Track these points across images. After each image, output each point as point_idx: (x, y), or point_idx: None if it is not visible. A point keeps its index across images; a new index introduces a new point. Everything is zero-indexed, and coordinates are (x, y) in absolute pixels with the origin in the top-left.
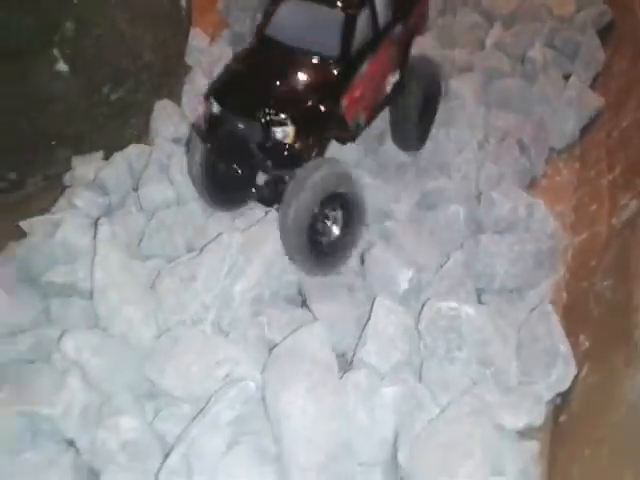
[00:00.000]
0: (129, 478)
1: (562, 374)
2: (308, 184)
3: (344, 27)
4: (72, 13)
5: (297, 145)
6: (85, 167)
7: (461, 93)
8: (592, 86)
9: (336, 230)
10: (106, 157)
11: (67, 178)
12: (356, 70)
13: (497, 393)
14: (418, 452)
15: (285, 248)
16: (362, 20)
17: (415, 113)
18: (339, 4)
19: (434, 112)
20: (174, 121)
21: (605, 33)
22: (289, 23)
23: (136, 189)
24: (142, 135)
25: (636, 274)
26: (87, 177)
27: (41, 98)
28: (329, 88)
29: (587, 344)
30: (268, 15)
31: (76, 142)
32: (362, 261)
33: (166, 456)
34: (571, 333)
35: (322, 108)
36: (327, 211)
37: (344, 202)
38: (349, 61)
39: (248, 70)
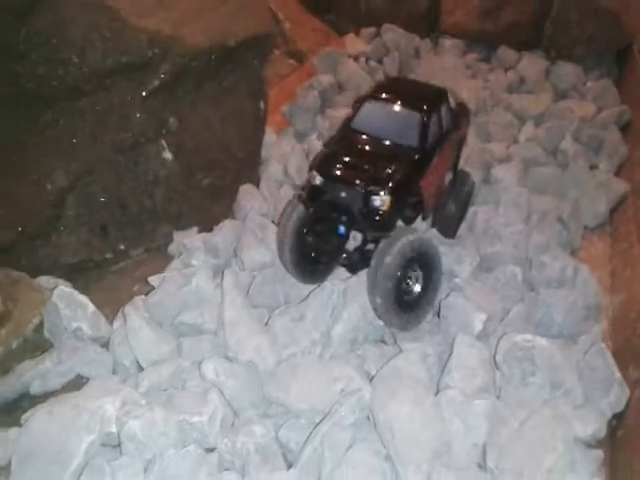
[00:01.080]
0: (264, 474)
1: (618, 396)
2: (393, 250)
3: (421, 124)
4: (175, 111)
5: (390, 212)
6: (190, 238)
7: (504, 178)
8: (617, 174)
9: (418, 288)
10: (199, 232)
11: (172, 248)
12: (430, 161)
13: (569, 408)
14: (506, 453)
15: (373, 307)
16: (433, 122)
17: (456, 214)
18: (417, 107)
19: (466, 212)
20: (258, 200)
21: (625, 129)
22: (373, 119)
23: (235, 254)
24: (228, 214)
25: None
26: (195, 245)
27: (149, 181)
28: (411, 171)
29: (637, 373)
30: (353, 112)
31: (175, 219)
32: (436, 312)
33: (291, 459)
34: (621, 367)
35: (408, 185)
36: (409, 272)
37: (424, 263)
38: (425, 152)
39: (342, 152)
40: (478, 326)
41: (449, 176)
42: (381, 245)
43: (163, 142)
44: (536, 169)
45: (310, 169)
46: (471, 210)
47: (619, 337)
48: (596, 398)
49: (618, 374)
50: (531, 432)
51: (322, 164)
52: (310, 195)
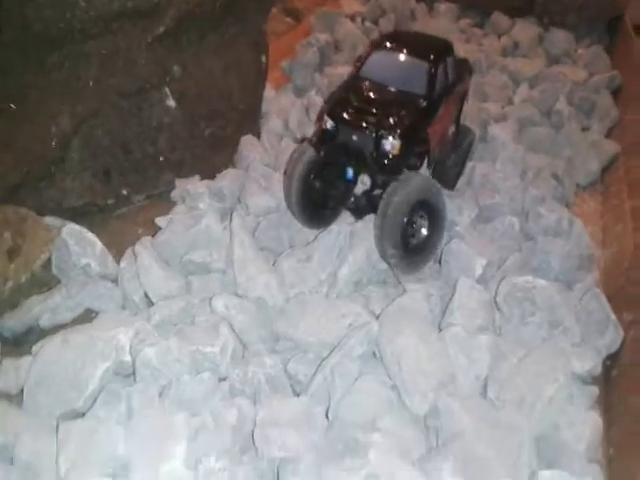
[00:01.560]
0: (275, 401)
1: (613, 337)
2: (401, 193)
3: (429, 73)
4: (179, 59)
5: (400, 156)
6: (193, 184)
7: (500, 136)
8: (607, 136)
9: (424, 232)
10: (202, 180)
11: (174, 194)
12: (436, 109)
13: (567, 345)
14: (507, 385)
15: (379, 250)
16: (440, 72)
17: (460, 165)
18: (424, 57)
19: (464, 166)
20: (259, 151)
21: (616, 93)
22: (381, 67)
23: (240, 201)
24: (229, 164)
25: None
26: (199, 191)
27: (152, 128)
28: (420, 117)
29: (631, 317)
30: (362, 60)
31: (177, 167)
32: (437, 259)
33: (299, 391)
34: (616, 312)
35: (417, 131)
36: (415, 216)
37: (429, 207)
38: (432, 100)
39: (355, 96)
40: (478, 270)
41: (452, 128)
42: (389, 189)
43: (167, 89)
44: (531, 128)
45: (320, 115)
46: (469, 165)
47: (612, 285)
48: (592, 339)
49: (613, 316)
50: (531, 365)
51: (333, 109)
52: (321, 138)
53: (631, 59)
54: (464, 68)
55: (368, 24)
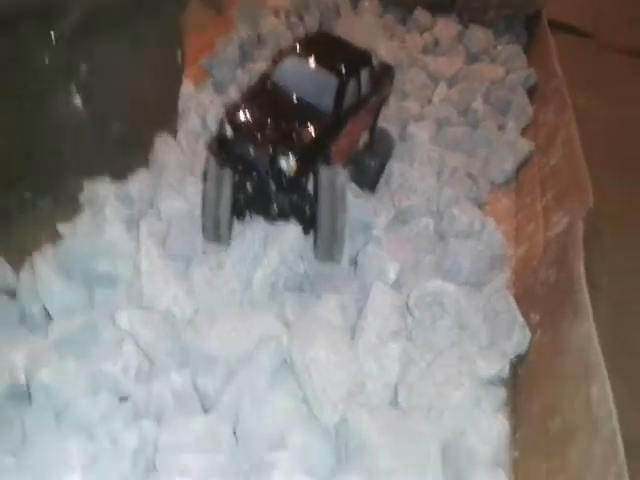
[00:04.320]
0: (180, 420)
1: (520, 338)
2: (338, 185)
3: (338, 89)
4: (86, 58)
5: (296, 175)
6: (102, 187)
7: (418, 136)
8: (523, 134)
9: None
10: (112, 182)
11: (83, 197)
12: (343, 126)
13: (474, 348)
14: (416, 390)
15: (324, 242)
16: (351, 87)
17: (374, 173)
18: (335, 71)
19: (383, 171)
20: (175, 151)
21: (531, 91)
22: (292, 75)
23: (151, 205)
24: (143, 165)
25: (574, 258)
26: (107, 195)
27: (58, 129)
28: (323, 136)
29: (537, 318)
30: (274, 64)
31: (86, 169)
32: (353, 263)
33: (208, 405)
34: (523, 312)
35: (318, 151)
36: None
37: None
38: (339, 117)
39: (257, 105)
40: (392, 275)
41: (364, 137)
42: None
43: (73, 88)
44: (448, 128)
45: (221, 120)
46: (387, 165)
47: (521, 285)
48: (500, 340)
49: (520, 318)
50: (439, 371)
51: (234, 114)
52: (221, 146)
53: (546, 57)
54: (385, 75)
55: (293, 19)
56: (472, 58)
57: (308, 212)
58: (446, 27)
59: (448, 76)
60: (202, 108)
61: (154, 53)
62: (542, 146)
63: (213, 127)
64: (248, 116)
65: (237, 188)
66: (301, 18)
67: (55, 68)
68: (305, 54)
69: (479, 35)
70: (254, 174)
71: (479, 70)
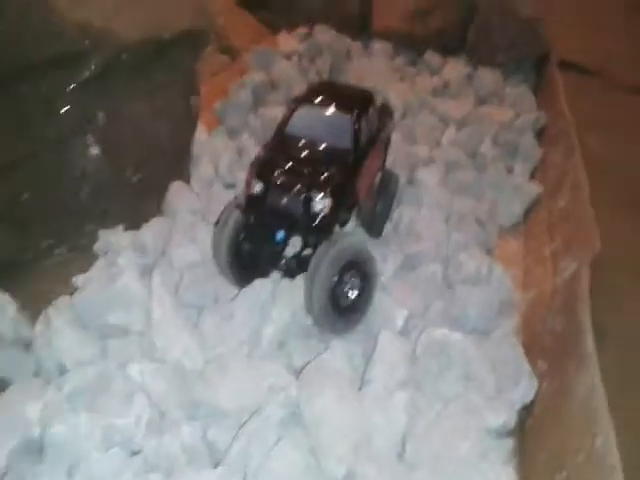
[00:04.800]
0: (190, 474)
1: (527, 387)
2: (331, 253)
3: (353, 127)
4: (104, 105)
5: (332, 215)
6: (115, 236)
7: (426, 180)
8: (531, 177)
9: (355, 292)
10: (127, 230)
11: (97, 246)
12: (363, 162)
13: (481, 399)
14: (423, 443)
15: (308, 309)
16: (364, 124)
17: (384, 212)
18: (347, 110)
19: (389, 213)
20: (188, 198)
21: (540, 133)
22: (306, 123)
23: (164, 253)
24: (157, 212)
25: (582, 308)
26: (121, 244)
27: (75, 177)
28: (348, 172)
29: (545, 366)
30: (286, 117)
31: (101, 217)
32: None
33: (218, 458)
34: (531, 361)
35: (346, 187)
36: (346, 276)
37: (359, 268)
38: (358, 153)
39: (279, 157)
40: (400, 322)
41: (379, 176)
42: (320, 249)
43: (90, 137)
44: (457, 172)
45: (248, 178)
46: (396, 210)
47: (529, 332)
48: (507, 389)
49: (527, 366)
50: (446, 422)
51: (260, 171)
52: (250, 202)
53: (554, 98)
54: (385, 113)
55: (305, 63)
56: (481, 100)
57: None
58: (456, 69)
59: (457, 119)
60: (215, 154)
61: (171, 100)
62: (551, 189)
63: (226, 173)
64: (274, 168)
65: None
66: (313, 61)
67: (72, 116)
68: (314, 102)
69: (488, 77)
70: (287, 224)
71: (488, 113)
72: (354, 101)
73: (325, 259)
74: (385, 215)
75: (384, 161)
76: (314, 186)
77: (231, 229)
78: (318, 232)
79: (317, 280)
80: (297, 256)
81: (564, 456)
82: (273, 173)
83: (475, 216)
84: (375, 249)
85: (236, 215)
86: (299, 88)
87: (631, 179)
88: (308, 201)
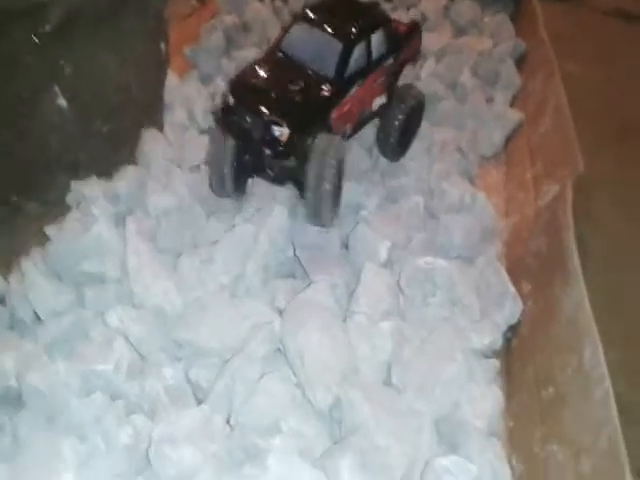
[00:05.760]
0: (174, 413)
1: (512, 308)
2: (330, 152)
3: (341, 55)
4: (69, 56)
5: (289, 143)
6: (88, 187)
7: None
8: (512, 105)
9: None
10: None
11: (70, 198)
12: (347, 91)
13: (466, 322)
14: (409, 368)
15: (314, 216)
16: (357, 51)
17: (396, 132)
18: (340, 35)
19: (415, 131)
20: (162, 145)
21: (520, 61)
22: (299, 42)
23: (138, 202)
24: (130, 161)
25: (564, 225)
26: (94, 194)
27: (43, 130)
28: (322, 102)
29: (529, 287)
30: (284, 33)
31: (72, 169)
32: (344, 245)
33: (202, 397)
34: (515, 283)
35: (315, 117)
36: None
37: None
38: (342, 82)
39: (261, 74)
40: (383, 254)
41: (380, 100)
42: (311, 163)
43: (57, 89)
44: (436, 103)
45: (227, 86)
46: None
47: (512, 256)
48: (492, 312)
49: (512, 288)
50: (431, 347)
51: (236, 84)
52: (223, 113)
53: (533, 25)
54: (411, 34)
55: (278, 3)
56: (459, 31)
57: (301, 177)
58: (432, 1)
59: (435, 50)
60: (188, 100)
61: (139, 46)
62: (531, 116)
63: (200, 119)
64: (249, 85)
65: (239, 149)
66: (286, 1)
67: (39, 67)
68: (313, 19)
69: (466, 7)
70: (251, 141)
71: (467, 43)
72: (355, 23)
73: (325, 170)
74: (404, 136)
75: (393, 84)
76: (277, 113)
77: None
78: (276, 157)
79: (324, 192)
80: (279, 166)
81: (550, 373)
82: (246, 89)
83: (456, 145)
84: (357, 184)
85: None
86: (273, 29)
87: (611, 103)
88: (268, 126)
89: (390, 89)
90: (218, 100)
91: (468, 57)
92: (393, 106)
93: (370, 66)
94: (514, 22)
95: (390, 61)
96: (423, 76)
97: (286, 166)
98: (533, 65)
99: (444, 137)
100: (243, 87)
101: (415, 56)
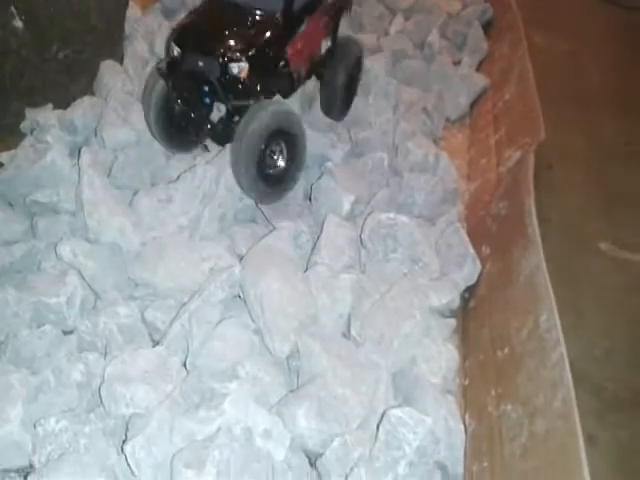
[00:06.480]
0: (128, 352)
1: (471, 270)
2: (256, 121)
3: None
4: None
5: (250, 79)
6: (43, 115)
7: (374, 69)
8: (478, 69)
9: (282, 162)
10: (55, 109)
11: (24, 125)
12: (297, 27)
13: (426, 280)
14: (368, 322)
15: (237, 180)
16: None
17: (342, 86)
18: None
19: (356, 88)
20: (121, 78)
21: (487, 26)
22: None
23: (95, 133)
24: (87, 91)
25: (525, 191)
26: (49, 122)
27: None
28: (276, 37)
29: (488, 251)
30: None
31: (27, 95)
32: (308, 196)
33: (157, 339)
34: (475, 246)
35: (271, 52)
36: (273, 145)
37: (287, 137)
38: (291, 17)
39: (204, 20)
40: (346, 207)
41: (325, 43)
42: (245, 117)
43: (12, 9)
44: (404, 61)
45: (167, 40)
46: None
47: (474, 219)
48: (451, 272)
49: (471, 250)
50: (391, 302)
51: (180, 34)
52: (169, 67)
53: None
54: None
55: None
56: None
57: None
58: None
59: (404, 7)
60: (150, 33)
61: None
62: (497, 81)
63: (161, 53)
64: (195, 31)
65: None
66: None
67: None
68: None
69: None
70: (206, 88)
71: (436, 3)
72: None
73: (250, 126)
74: (342, 91)
75: (336, 27)
76: (232, 50)
77: (158, 93)
78: (237, 98)
79: (243, 148)
80: (223, 122)
81: (506, 334)
82: (192, 36)
83: (422, 106)
84: (323, 135)
85: (161, 81)
86: None
87: (575, 73)
88: (225, 65)
89: (334, 33)
90: None
91: (437, 17)
92: (335, 64)
93: (313, 3)
94: None
95: (330, 0)
96: (392, 32)
97: (233, 123)
98: (500, 31)
99: (411, 97)
100: (189, 34)
101: (348, 3)
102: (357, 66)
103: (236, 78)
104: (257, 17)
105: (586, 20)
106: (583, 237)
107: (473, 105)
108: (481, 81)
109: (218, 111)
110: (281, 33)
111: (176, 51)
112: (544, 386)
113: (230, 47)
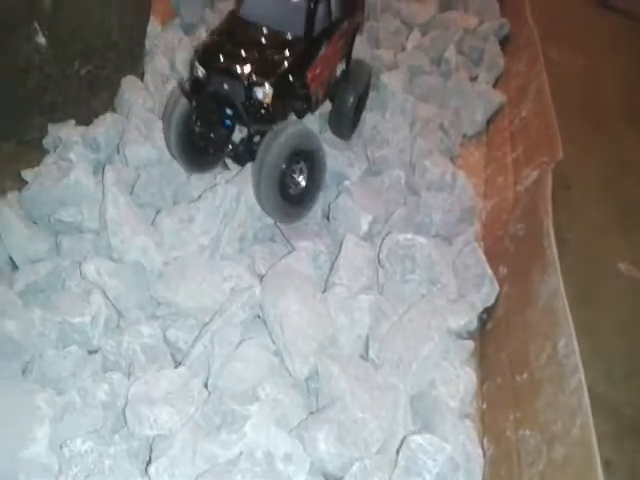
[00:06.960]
0: (151, 373)
1: (489, 291)
2: (277, 142)
3: (308, 12)
4: None
5: (274, 104)
6: (65, 131)
7: (391, 85)
8: (494, 86)
9: (302, 181)
10: (77, 125)
11: (47, 141)
12: (317, 51)
13: (443, 302)
14: (387, 344)
15: (258, 200)
16: (320, 10)
17: (352, 107)
18: None
19: (363, 107)
20: (142, 94)
21: (504, 42)
22: (259, 7)
23: (117, 150)
24: (108, 107)
25: (543, 212)
26: (72, 139)
27: (20, 68)
28: (298, 61)
29: (506, 271)
30: (240, 1)
31: (50, 111)
32: (326, 215)
33: (179, 359)
34: (492, 266)
35: (294, 76)
36: (294, 165)
37: (308, 156)
38: (312, 42)
39: (227, 41)
40: (364, 227)
41: (341, 67)
42: (266, 137)
43: (36, 25)
44: (421, 77)
45: (192, 61)
46: (362, 116)
47: (491, 238)
48: (469, 293)
49: (489, 271)
50: (409, 324)
51: (204, 55)
52: (193, 87)
53: (519, 7)
54: (356, 1)
55: None
56: (446, 6)
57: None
58: None
59: (421, 23)
60: (170, 49)
61: None
62: (513, 98)
63: (182, 69)
64: (219, 53)
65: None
66: None
67: (17, 3)
68: None
69: None
70: (229, 111)
71: (453, 18)
72: None
73: (272, 147)
74: (355, 114)
75: (350, 51)
76: (257, 73)
77: (179, 113)
78: (260, 121)
79: (264, 168)
80: (244, 143)
81: (525, 358)
82: (217, 57)
83: (439, 123)
84: (340, 153)
85: (183, 100)
86: None
87: (592, 88)
88: (249, 89)
89: (348, 56)
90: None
91: (454, 33)
92: (347, 86)
93: (332, 27)
94: (500, 3)
95: (346, 25)
96: (409, 48)
97: (254, 143)
98: (517, 47)
99: (427, 114)
100: (214, 55)
101: (361, 25)
102: (367, 87)
103: (260, 102)
104: (280, 40)
105: (601, 34)
106: (601, 258)
107: (489, 122)
108: (498, 97)
109: (239, 132)
110: (303, 57)
111: (201, 72)
112: (563, 412)
113: (256, 71)
